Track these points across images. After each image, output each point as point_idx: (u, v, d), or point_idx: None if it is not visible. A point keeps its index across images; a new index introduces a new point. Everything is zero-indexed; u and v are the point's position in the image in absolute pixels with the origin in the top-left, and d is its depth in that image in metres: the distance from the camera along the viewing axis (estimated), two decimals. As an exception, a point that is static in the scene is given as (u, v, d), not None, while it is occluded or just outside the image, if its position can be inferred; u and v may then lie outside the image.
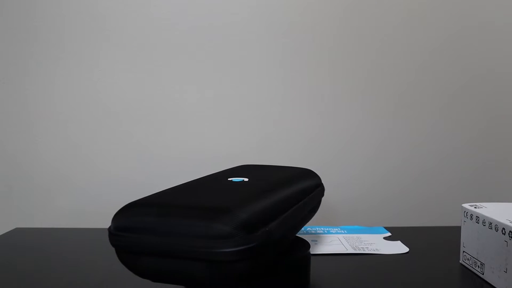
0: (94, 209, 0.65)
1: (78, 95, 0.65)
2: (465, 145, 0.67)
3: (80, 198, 0.65)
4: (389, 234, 0.56)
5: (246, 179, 0.39)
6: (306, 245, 0.40)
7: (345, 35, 0.65)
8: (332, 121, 0.66)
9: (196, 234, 0.28)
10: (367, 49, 0.66)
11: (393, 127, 0.66)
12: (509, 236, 0.36)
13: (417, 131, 0.67)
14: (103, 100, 0.65)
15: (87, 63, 0.64)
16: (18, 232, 0.57)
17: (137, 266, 0.30)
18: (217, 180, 0.39)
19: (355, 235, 0.55)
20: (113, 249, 0.50)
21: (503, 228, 0.37)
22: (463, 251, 0.44)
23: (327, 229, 0.58)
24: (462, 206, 0.44)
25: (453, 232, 0.56)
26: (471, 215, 0.43)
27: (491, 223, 0.39)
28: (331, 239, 0.53)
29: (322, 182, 0.63)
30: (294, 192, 0.38)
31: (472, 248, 0.42)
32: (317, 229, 0.58)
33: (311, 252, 0.48)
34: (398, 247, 0.50)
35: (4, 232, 0.65)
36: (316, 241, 0.52)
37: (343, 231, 0.57)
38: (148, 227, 0.29)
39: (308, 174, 0.45)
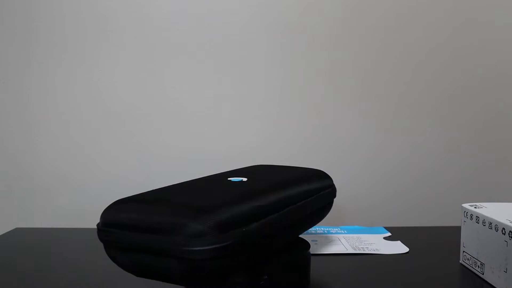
0: (94, 209, 0.65)
1: (78, 95, 0.65)
2: (465, 145, 0.67)
3: (80, 198, 0.65)
4: (389, 234, 0.56)
5: (245, 179, 0.40)
6: (306, 245, 0.40)
7: (344, 35, 0.65)
8: (332, 121, 0.66)
9: (171, 232, 0.28)
10: (367, 49, 0.66)
11: (393, 127, 0.67)
12: (509, 236, 0.36)
13: (417, 131, 0.67)
14: (103, 100, 0.65)
15: (87, 63, 0.64)
16: (18, 232, 0.57)
17: (121, 260, 0.31)
18: (216, 180, 0.40)
19: (355, 235, 0.55)
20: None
21: (503, 228, 0.37)
22: (463, 251, 0.44)
23: (327, 229, 0.58)
24: (462, 206, 0.44)
25: (453, 232, 0.56)
26: (471, 215, 0.43)
27: (491, 223, 0.39)
28: (331, 239, 0.53)
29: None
30: (291, 194, 0.38)
31: (472, 248, 0.42)
32: (317, 229, 0.58)
33: (311, 252, 0.48)
34: (398, 247, 0.50)
35: (4, 232, 0.65)
36: (316, 241, 0.52)
37: (343, 231, 0.57)
38: (130, 223, 0.30)
39: (316, 176, 0.44)
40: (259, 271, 0.35)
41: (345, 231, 0.57)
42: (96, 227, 0.32)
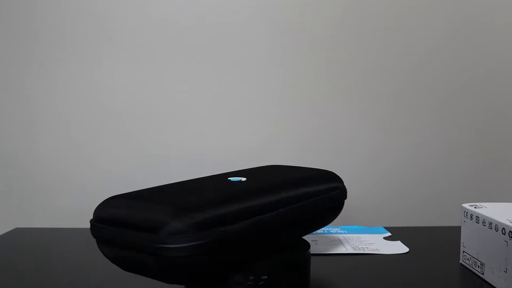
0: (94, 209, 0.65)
1: (78, 95, 0.65)
2: (465, 145, 0.67)
3: (80, 198, 0.65)
4: (389, 234, 0.56)
5: (244, 179, 0.40)
6: (306, 245, 0.40)
7: (344, 35, 0.65)
8: (332, 121, 0.66)
9: (152, 229, 0.29)
10: (367, 49, 0.66)
11: (393, 127, 0.67)
12: (509, 236, 0.36)
13: (417, 131, 0.67)
14: (104, 100, 0.65)
15: (87, 63, 0.64)
16: (18, 232, 0.57)
17: (109, 255, 0.33)
18: (215, 180, 0.40)
19: (355, 235, 0.55)
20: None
21: (503, 228, 0.37)
22: (463, 251, 0.44)
23: (327, 229, 0.58)
24: (462, 206, 0.44)
25: (453, 232, 0.56)
26: (471, 215, 0.43)
27: (491, 223, 0.39)
28: (331, 239, 0.53)
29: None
30: (287, 195, 0.37)
31: (472, 248, 0.42)
32: (317, 229, 0.58)
33: (311, 252, 0.48)
34: (398, 247, 0.50)
35: (4, 232, 0.65)
36: (316, 241, 0.52)
37: (343, 231, 0.57)
38: (115, 219, 0.32)
39: (322, 177, 0.43)
40: (259, 271, 0.35)
41: (345, 231, 0.57)
42: (89, 222, 0.34)
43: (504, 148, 0.67)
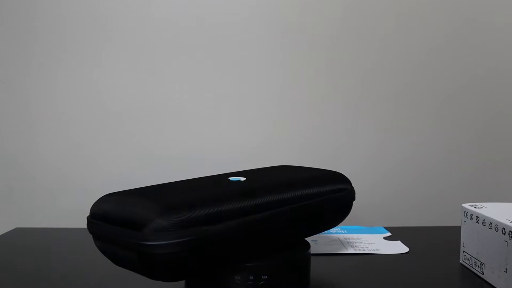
0: (94, 209, 0.65)
1: (78, 95, 0.65)
2: (465, 145, 0.67)
3: (80, 198, 0.65)
4: (389, 234, 0.56)
5: (243, 179, 0.40)
6: (306, 245, 0.40)
7: (344, 35, 0.65)
8: (332, 121, 0.66)
9: (136, 226, 0.30)
10: (367, 49, 0.66)
11: (393, 127, 0.67)
12: (509, 236, 0.36)
13: (417, 131, 0.67)
14: (104, 100, 0.65)
15: (87, 63, 0.64)
16: (18, 232, 0.57)
17: (102, 250, 0.34)
18: (215, 180, 0.40)
19: (355, 235, 0.55)
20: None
21: (503, 228, 0.37)
22: (463, 251, 0.44)
23: (327, 229, 0.58)
24: (462, 206, 0.44)
25: (453, 232, 0.56)
26: (471, 215, 0.43)
27: (491, 223, 0.39)
28: (331, 239, 0.53)
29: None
30: (283, 197, 0.37)
31: (472, 248, 0.42)
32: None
33: (311, 252, 0.48)
34: (398, 247, 0.50)
35: (4, 232, 0.65)
36: (316, 241, 0.52)
37: (343, 231, 0.57)
38: (108, 216, 0.33)
39: (326, 178, 0.42)
40: (259, 271, 0.35)
41: (345, 231, 0.57)
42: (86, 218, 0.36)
43: (504, 148, 0.67)
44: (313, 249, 0.49)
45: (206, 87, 0.65)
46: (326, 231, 0.57)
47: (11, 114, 0.65)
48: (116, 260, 0.33)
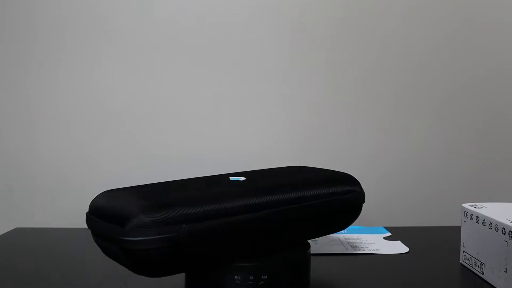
0: (94, 209, 0.65)
1: (78, 95, 0.65)
2: (465, 145, 0.67)
3: (80, 198, 0.65)
4: (389, 234, 0.56)
5: (242, 179, 0.40)
6: (306, 245, 0.40)
7: (344, 35, 0.65)
8: (332, 121, 0.66)
9: (120, 222, 0.31)
10: (367, 49, 0.66)
11: (393, 127, 0.67)
12: (509, 236, 0.36)
13: (417, 131, 0.67)
14: (104, 100, 0.65)
15: (87, 63, 0.64)
16: (18, 232, 0.57)
17: (97, 243, 0.35)
18: (216, 179, 0.40)
19: (355, 235, 0.55)
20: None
21: (503, 228, 0.37)
22: (463, 251, 0.44)
23: (327, 229, 0.58)
24: (462, 206, 0.44)
25: (453, 232, 0.56)
26: (471, 215, 0.43)
27: (491, 223, 0.39)
28: (331, 239, 0.53)
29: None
30: (278, 198, 0.37)
31: (472, 248, 0.42)
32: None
33: (311, 252, 0.48)
34: (398, 247, 0.50)
35: (4, 232, 0.65)
36: (316, 241, 0.52)
37: (343, 231, 0.57)
38: (99, 212, 0.34)
39: (330, 180, 0.41)
40: (259, 271, 0.35)
41: (345, 231, 0.57)
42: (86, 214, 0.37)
43: (504, 148, 0.67)
44: (313, 249, 0.49)
45: (206, 87, 0.65)
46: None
47: (11, 114, 0.65)
48: (108, 253, 0.34)
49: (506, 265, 0.36)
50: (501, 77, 0.67)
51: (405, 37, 0.66)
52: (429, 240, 0.53)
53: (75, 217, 0.65)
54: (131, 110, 0.65)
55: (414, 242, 0.52)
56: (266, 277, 0.35)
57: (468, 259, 0.43)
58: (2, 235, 0.56)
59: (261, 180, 0.40)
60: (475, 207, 0.43)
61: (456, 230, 0.57)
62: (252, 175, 0.42)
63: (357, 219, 0.66)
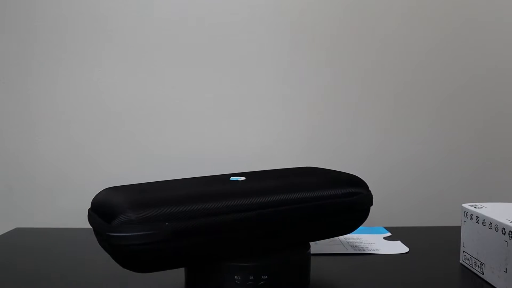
0: (94, 209, 0.65)
1: (78, 95, 0.65)
2: (465, 145, 0.67)
3: (80, 198, 0.65)
4: (389, 234, 0.56)
5: (242, 179, 0.40)
6: (306, 245, 0.40)
7: (344, 35, 0.65)
8: (332, 121, 0.66)
9: (108, 218, 0.33)
10: (367, 49, 0.66)
11: (393, 127, 0.66)
12: (509, 236, 0.36)
13: (417, 131, 0.67)
14: (104, 100, 0.65)
15: (87, 63, 0.64)
16: (18, 232, 0.58)
17: (97, 239, 0.37)
18: (216, 179, 0.40)
19: (355, 235, 0.55)
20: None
21: (503, 228, 0.37)
22: (463, 251, 0.44)
23: (327, 229, 0.58)
24: (462, 206, 0.44)
25: (453, 232, 0.56)
26: (471, 215, 0.43)
27: (491, 223, 0.39)
28: (331, 239, 0.53)
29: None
30: (272, 199, 0.36)
31: (472, 248, 0.42)
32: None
33: (311, 252, 0.48)
34: (398, 247, 0.50)
35: (4, 232, 0.65)
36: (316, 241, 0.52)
37: (343, 231, 0.57)
38: (98, 209, 0.35)
39: (332, 182, 0.40)
40: (259, 271, 0.35)
41: (345, 231, 0.57)
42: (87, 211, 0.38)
43: (504, 148, 0.67)
44: (313, 249, 0.49)
45: (206, 87, 0.65)
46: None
47: (11, 114, 0.65)
48: (104, 248, 0.35)
49: (506, 265, 0.36)
50: (501, 77, 0.67)
51: (405, 37, 0.66)
52: (429, 240, 0.53)
53: (75, 217, 0.65)
54: (131, 110, 0.65)
55: (414, 242, 0.52)
56: (266, 277, 0.35)
57: (468, 259, 0.43)
58: (2, 235, 0.56)
59: (258, 181, 0.39)
60: (475, 207, 0.43)
61: (456, 230, 0.57)
62: (252, 176, 0.42)
63: (357, 219, 0.66)
